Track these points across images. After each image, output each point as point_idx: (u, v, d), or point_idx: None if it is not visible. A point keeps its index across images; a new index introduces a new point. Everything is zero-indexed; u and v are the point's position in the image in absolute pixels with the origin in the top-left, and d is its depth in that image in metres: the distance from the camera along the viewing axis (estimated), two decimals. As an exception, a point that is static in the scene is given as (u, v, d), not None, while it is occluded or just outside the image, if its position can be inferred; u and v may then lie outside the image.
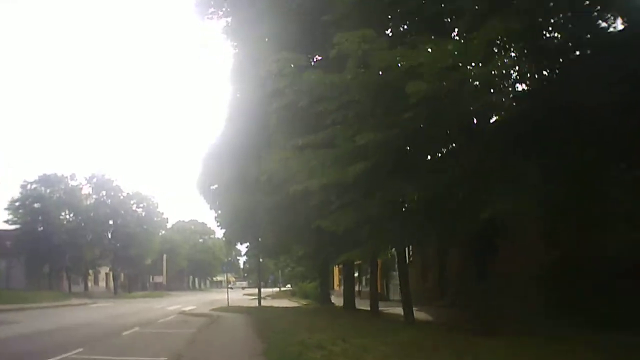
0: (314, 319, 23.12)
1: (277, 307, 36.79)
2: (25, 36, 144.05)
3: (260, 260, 46.62)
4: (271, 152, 17.67)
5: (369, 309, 28.56)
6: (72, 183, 74.76)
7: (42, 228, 69.54)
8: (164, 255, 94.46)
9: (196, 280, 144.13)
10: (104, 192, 77.18)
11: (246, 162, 23.78)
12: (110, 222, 76.74)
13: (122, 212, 77.46)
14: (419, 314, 22.93)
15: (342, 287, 50.99)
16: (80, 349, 15.64)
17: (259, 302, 41.48)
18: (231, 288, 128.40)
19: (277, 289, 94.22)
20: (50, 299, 46.01)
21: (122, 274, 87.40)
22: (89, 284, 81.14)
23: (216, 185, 34.52)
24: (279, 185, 19.51)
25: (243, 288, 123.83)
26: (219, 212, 38.47)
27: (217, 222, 40.44)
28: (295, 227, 25.86)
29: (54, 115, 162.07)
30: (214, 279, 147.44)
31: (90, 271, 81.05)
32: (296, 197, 20.53)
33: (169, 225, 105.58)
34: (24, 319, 27.29)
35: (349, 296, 32.66)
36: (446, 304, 27.79)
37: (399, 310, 27.24)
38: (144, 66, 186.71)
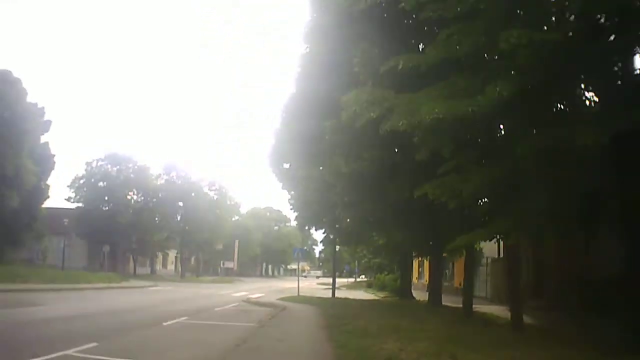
0: (399, 318, 18.51)
1: (353, 300, 32.30)
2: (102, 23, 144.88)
3: (337, 248, 42.08)
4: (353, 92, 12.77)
5: (455, 305, 24.70)
6: (141, 163, 71.84)
7: (107, 207, 66.97)
8: (236, 241, 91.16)
9: (270, 267, 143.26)
10: (174, 174, 73.85)
11: (321, 121, 19.22)
12: (180, 203, 73.30)
13: (193, 194, 73.99)
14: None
15: (420, 280, 46.33)
16: (93, 344, 11.81)
17: (333, 293, 37.00)
18: (305, 276, 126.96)
19: (353, 280, 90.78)
20: (106, 280, 42.61)
21: (192, 258, 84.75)
22: (158, 267, 79.53)
23: (289, 165, 30.80)
24: (362, 142, 15.00)
25: (317, 277, 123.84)
26: (292, 193, 34.44)
27: (290, 205, 36.32)
28: (379, 209, 21.57)
29: (119, 99, 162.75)
30: (288, 266, 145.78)
31: (159, 254, 78.92)
32: (386, 162, 15.91)
33: (242, 211, 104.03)
34: (53, 302, 23.56)
35: (436, 291, 27.84)
36: (544, 306, 23.33)
37: (490, 309, 24.05)
38: (210, 46, 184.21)
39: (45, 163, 54.09)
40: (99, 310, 21.15)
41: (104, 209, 66.81)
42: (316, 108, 19.48)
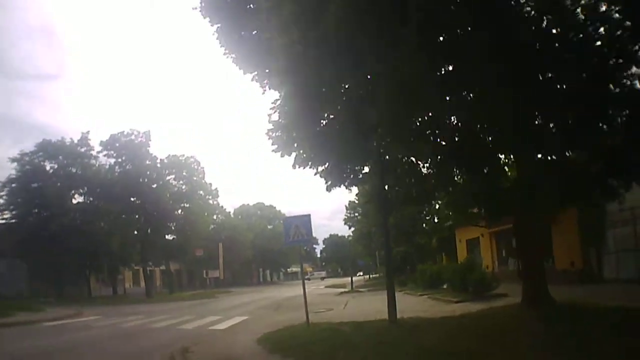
0: None
1: (450, 321, 15.27)
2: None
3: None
4: None
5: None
6: (83, 149, 53.03)
7: (45, 214, 48.63)
8: (219, 244, 73.11)
9: (268, 272, 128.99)
10: (128, 163, 54.44)
11: None
12: (136, 200, 54.25)
13: (154, 186, 55.77)
14: None
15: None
16: None
17: (392, 313, 16.24)
18: (308, 279, 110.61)
19: (367, 277, 78.26)
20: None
21: (171, 270, 68.16)
22: (127, 284, 64.70)
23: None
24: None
25: (322, 278, 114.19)
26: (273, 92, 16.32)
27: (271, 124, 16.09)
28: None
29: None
30: (288, 270, 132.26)
31: (122, 268, 61.23)
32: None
33: (228, 209, 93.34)
34: None
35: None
36: None
37: None
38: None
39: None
40: None
41: (42, 215, 48.70)
42: None
